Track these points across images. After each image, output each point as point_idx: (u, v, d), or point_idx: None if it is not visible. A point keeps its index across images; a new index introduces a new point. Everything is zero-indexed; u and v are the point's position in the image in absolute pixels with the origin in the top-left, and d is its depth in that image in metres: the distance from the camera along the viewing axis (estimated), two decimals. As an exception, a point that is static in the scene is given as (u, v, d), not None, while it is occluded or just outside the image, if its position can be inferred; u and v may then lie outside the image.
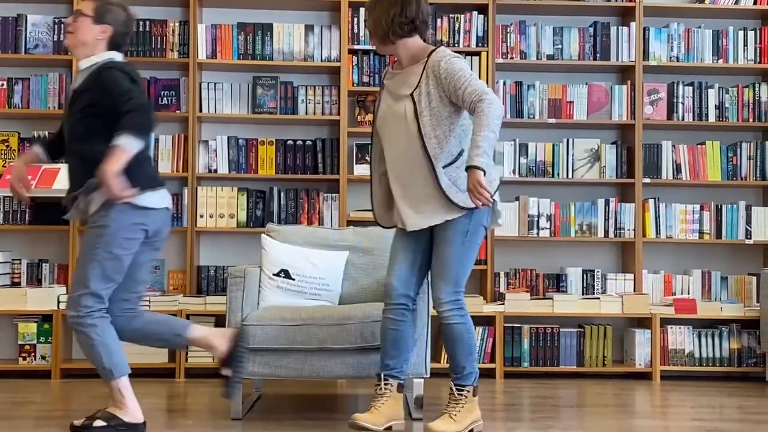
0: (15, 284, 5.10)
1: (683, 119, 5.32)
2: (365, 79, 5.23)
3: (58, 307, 4.92)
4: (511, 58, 5.27)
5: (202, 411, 4.04)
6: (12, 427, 3.69)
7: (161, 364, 4.95)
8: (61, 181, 4.89)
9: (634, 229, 5.25)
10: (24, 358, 4.93)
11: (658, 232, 5.28)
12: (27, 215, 5.07)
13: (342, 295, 4.26)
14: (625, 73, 5.41)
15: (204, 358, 4.93)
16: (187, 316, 4.95)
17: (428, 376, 3.87)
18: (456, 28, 5.23)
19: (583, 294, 5.25)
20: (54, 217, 5.06)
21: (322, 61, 5.22)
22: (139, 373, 4.94)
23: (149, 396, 4.46)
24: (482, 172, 3.21)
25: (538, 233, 5.24)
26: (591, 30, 5.31)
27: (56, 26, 5.13)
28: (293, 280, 4.16)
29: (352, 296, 4.26)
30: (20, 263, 5.13)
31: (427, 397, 3.91)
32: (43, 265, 5.12)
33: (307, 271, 4.18)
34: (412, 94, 3.42)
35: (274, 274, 4.13)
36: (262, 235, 4.33)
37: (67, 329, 5.03)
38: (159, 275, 5.22)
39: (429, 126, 3.39)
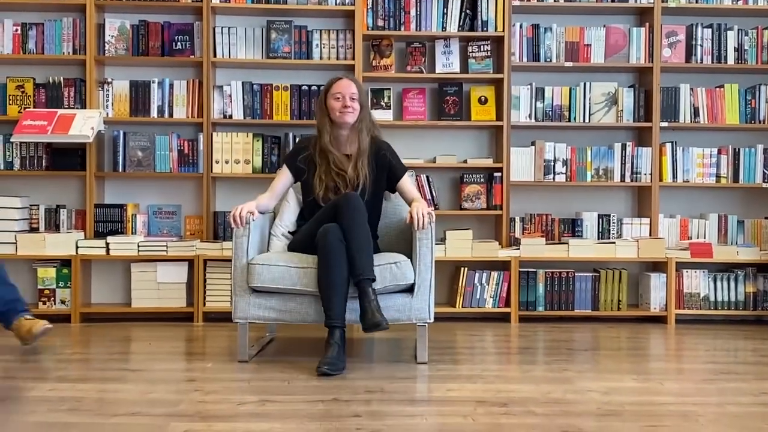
0: (33, 230, 5.15)
1: (702, 62, 5.26)
2: (380, 23, 5.18)
3: (77, 252, 4.96)
4: (528, 0, 5.21)
5: (220, 354, 4.08)
6: (33, 369, 3.76)
7: (180, 308, 5.01)
8: (76, 126, 4.90)
9: (651, 174, 5.22)
10: (44, 303, 4.99)
11: (675, 176, 5.26)
12: (44, 161, 5.09)
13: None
14: (643, 15, 5.34)
15: (222, 302, 4.98)
16: (205, 262, 4.99)
17: (431, 320, 3.89)
18: (472, -30, 5.17)
19: (598, 239, 5.25)
20: (71, 162, 5.08)
21: (336, 4, 5.17)
22: (158, 317, 5.04)
23: (168, 339, 4.52)
24: None
25: (554, 178, 5.23)
26: (609, -29, 5.24)
27: (69, -29, 5.10)
28: None
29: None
30: (38, 209, 5.17)
31: (430, 341, 3.95)
32: (61, 210, 5.16)
33: None
34: None
35: (290, 232, 4.15)
36: (290, 188, 4.30)
37: (85, 273, 5.09)
38: (176, 221, 5.25)
39: None
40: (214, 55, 5.16)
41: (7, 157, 5.10)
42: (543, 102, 5.24)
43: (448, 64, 5.24)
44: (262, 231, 4.09)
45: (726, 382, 3.57)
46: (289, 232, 4.16)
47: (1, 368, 3.74)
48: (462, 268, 5.10)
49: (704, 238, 5.28)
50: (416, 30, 5.19)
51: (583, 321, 5.14)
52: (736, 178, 5.27)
